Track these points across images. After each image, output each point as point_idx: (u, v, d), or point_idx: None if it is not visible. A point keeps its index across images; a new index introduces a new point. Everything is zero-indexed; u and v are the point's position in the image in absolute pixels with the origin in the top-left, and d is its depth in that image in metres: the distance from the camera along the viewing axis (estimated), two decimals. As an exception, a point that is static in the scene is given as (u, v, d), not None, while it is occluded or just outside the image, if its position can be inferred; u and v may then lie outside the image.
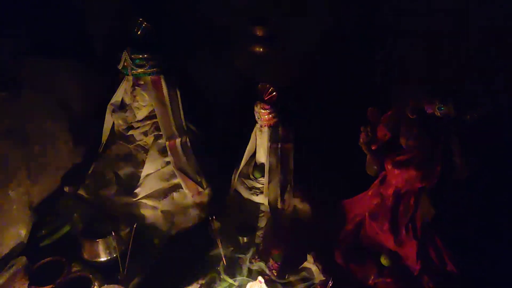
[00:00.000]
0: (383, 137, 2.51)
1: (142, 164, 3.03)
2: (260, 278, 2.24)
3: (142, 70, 2.86)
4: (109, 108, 3.06)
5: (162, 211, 2.88)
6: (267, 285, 2.24)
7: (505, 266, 2.47)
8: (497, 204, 2.63)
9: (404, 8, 3.01)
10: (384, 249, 2.56)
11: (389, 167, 2.48)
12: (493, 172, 2.58)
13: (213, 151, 3.31)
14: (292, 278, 2.41)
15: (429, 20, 2.88)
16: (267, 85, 2.75)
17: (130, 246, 2.49)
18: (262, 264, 2.46)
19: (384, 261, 2.51)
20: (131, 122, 3.10)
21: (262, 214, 2.87)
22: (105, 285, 2.35)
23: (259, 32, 2.90)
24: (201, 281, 2.40)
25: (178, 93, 3.03)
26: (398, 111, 2.44)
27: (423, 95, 2.33)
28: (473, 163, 2.32)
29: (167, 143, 2.98)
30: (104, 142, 3.12)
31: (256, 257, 2.57)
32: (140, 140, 3.10)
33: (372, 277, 2.46)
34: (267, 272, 2.45)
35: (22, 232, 2.57)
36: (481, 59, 2.70)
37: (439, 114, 2.28)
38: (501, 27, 2.59)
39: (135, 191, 2.92)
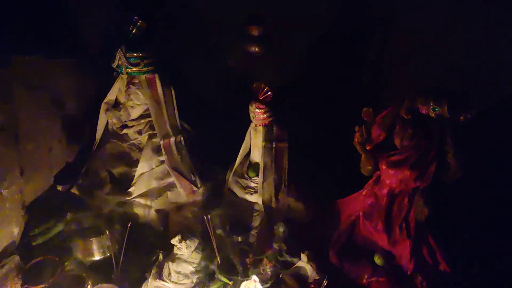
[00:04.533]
0: (377, 137, 2.52)
1: (136, 163, 3.02)
2: (254, 277, 2.25)
3: (136, 69, 2.84)
4: (103, 107, 3.04)
5: (156, 210, 2.87)
6: (261, 284, 2.24)
7: (497, 265, 2.49)
8: (490, 204, 2.65)
9: (398, 9, 3.03)
10: (378, 249, 2.57)
11: (384, 167, 2.49)
12: (486, 172, 2.61)
13: (208, 150, 3.30)
14: (286, 277, 2.41)
15: (423, 22, 2.90)
16: (262, 85, 2.75)
17: (124, 245, 2.48)
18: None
19: (378, 260, 2.52)
20: (125, 121, 3.08)
21: (256, 213, 2.87)
22: (99, 285, 2.34)
23: (254, 32, 2.90)
24: (196, 280, 2.40)
25: (173, 92, 3.01)
26: (393, 112, 2.45)
27: (417, 96, 2.34)
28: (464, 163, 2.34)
29: (162, 142, 2.97)
30: (98, 141, 3.10)
31: (250, 256, 2.57)
32: (134, 139, 3.09)
33: (366, 277, 2.47)
34: (261, 271, 2.46)
35: (14, 231, 2.55)
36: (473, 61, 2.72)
37: (433, 115, 2.29)
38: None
39: (129, 190, 2.91)
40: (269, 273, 2.45)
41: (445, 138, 2.33)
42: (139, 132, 3.07)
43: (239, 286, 2.30)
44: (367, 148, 2.53)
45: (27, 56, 2.68)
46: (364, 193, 2.69)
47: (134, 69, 2.84)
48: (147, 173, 2.95)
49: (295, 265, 2.49)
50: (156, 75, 2.93)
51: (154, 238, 2.74)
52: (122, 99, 3.05)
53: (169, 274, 2.39)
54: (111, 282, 2.36)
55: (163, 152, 2.97)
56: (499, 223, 2.63)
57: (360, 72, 3.32)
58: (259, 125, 2.83)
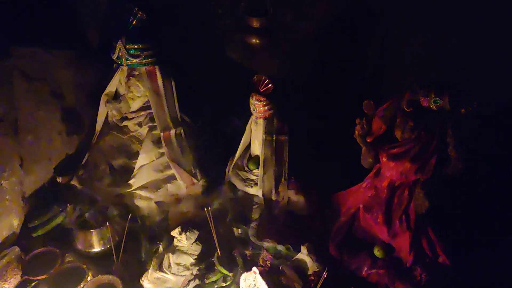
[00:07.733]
0: (378, 129, 2.51)
1: (136, 155, 3.02)
2: (254, 268, 2.25)
3: (137, 61, 2.83)
4: (103, 99, 3.02)
5: (156, 202, 2.88)
6: (261, 275, 2.25)
7: (496, 258, 2.50)
8: (490, 197, 2.66)
9: (400, 2, 3.02)
10: (377, 241, 2.58)
11: (384, 159, 2.49)
12: (487, 165, 2.61)
13: (208, 143, 3.30)
14: (286, 269, 2.42)
15: (425, 15, 2.89)
16: (263, 77, 2.74)
17: (124, 237, 2.48)
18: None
19: (377, 252, 2.53)
20: (126, 113, 3.07)
21: (256, 206, 2.88)
22: (99, 276, 2.35)
23: (255, 24, 2.88)
24: (196, 272, 2.40)
25: (173, 84, 3.01)
26: (394, 104, 2.44)
27: (418, 88, 2.34)
28: (465, 156, 2.34)
29: (162, 134, 2.97)
30: (98, 133, 3.08)
31: (250, 248, 2.58)
32: (134, 131, 3.08)
33: (366, 269, 2.48)
34: (261, 263, 2.47)
35: (14, 223, 2.56)
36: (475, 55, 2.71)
37: (434, 107, 2.28)
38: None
39: (129, 182, 2.91)
40: (269, 265, 2.46)
41: (446, 131, 2.32)
42: (139, 124, 3.07)
43: (239, 278, 2.31)
44: (368, 140, 2.52)
45: (26, 47, 2.68)
46: (364, 185, 2.69)
47: (134, 60, 2.83)
48: (147, 165, 2.96)
49: (295, 257, 2.49)
50: (157, 67, 2.92)
51: (154, 230, 2.75)
52: (122, 91, 3.05)
53: (169, 265, 2.40)
54: (111, 274, 2.37)
55: (163, 144, 2.96)
56: (500, 216, 2.63)
57: (361, 65, 3.31)
58: (260, 118, 2.83)
